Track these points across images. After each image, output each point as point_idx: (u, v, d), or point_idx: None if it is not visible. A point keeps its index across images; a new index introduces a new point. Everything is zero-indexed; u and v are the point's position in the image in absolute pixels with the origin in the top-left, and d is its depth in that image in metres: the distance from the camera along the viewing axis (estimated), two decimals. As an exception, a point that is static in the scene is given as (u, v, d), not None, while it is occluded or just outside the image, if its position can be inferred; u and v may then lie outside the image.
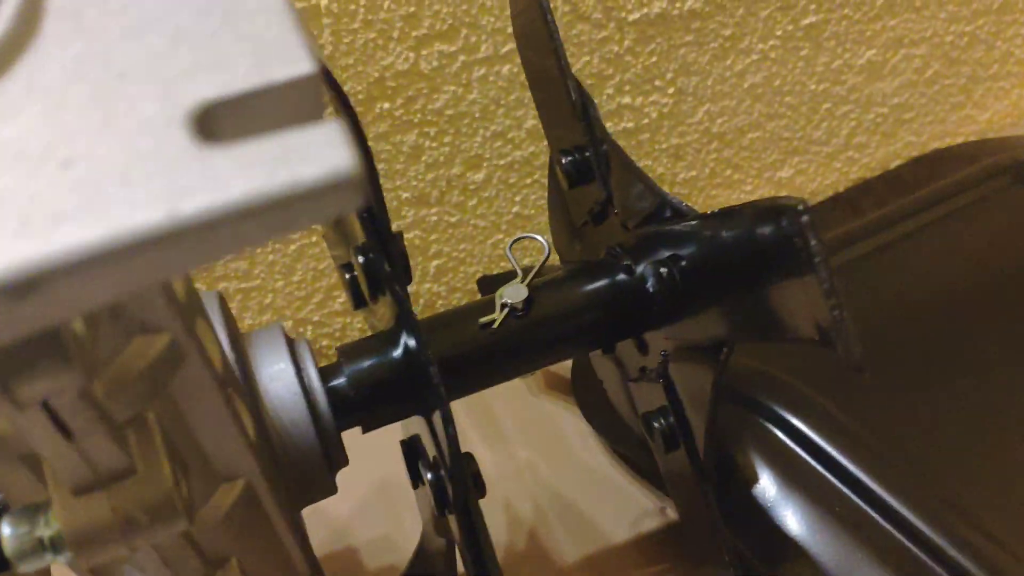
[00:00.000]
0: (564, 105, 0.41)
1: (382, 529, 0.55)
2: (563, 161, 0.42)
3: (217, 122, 0.16)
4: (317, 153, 0.15)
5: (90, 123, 0.15)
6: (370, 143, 0.59)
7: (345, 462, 0.39)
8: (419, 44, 0.57)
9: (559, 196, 0.46)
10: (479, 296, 0.64)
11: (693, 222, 0.35)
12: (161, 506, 0.22)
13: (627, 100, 0.63)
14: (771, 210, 0.27)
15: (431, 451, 0.37)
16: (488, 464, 0.58)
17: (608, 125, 0.63)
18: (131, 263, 0.14)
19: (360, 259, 0.35)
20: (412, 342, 0.35)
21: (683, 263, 0.36)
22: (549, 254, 0.42)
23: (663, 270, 0.37)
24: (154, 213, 0.14)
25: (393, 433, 0.42)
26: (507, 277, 0.55)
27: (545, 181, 0.65)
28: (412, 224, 0.63)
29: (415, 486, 0.41)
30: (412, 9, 0.55)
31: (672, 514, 0.53)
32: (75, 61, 0.16)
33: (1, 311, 0.14)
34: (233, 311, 0.60)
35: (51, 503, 0.22)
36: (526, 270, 0.42)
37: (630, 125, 0.64)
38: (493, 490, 0.55)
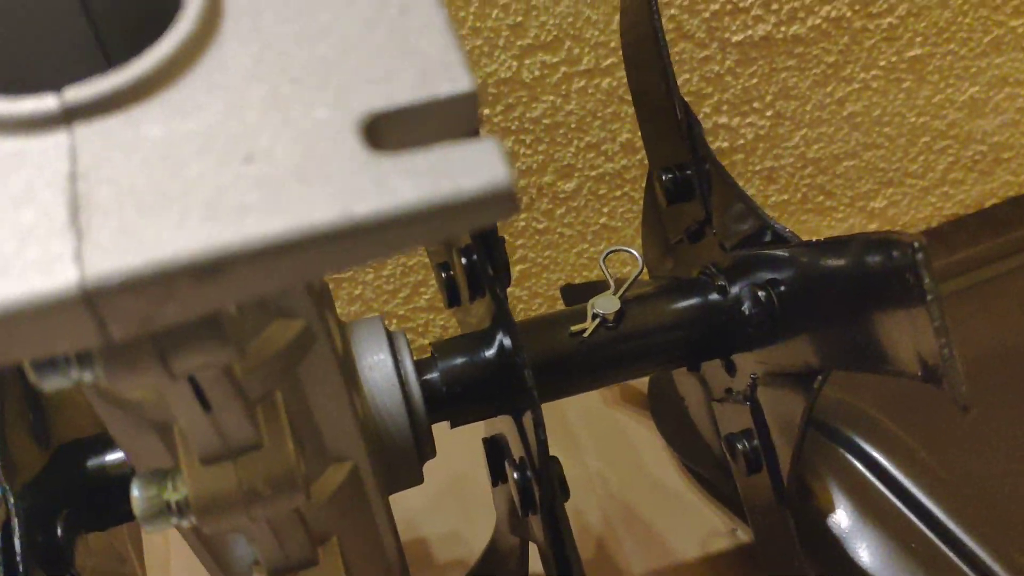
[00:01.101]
0: (668, 123, 0.42)
1: (453, 523, 0.56)
2: (663, 178, 0.43)
3: (383, 131, 0.17)
4: (477, 166, 0.16)
5: (268, 122, 0.16)
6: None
7: (433, 454, 0.40)
8: (523, 53, 0.58)
9: (655, 211, 0.47)
10: (560, 304, 0.65)
11: (796, 248, 0.36)
12: (283, 480, 0.24)
13: (724, 120, 0.63)
14: (884, 243, 0.27)
15: (517, 452, 0.38)
16: (560, 470, 0.59)
17: (702, 144, 0.64)
18: (305, 257, 0.15)
19: (463, 260, 0.36)
20: (508, 343, 0.36)
21: (782, 288, 0.37)
22: (643, 269, 0.43)
23: (761, 293, 0.37)
24: (330, 212, 0.15)
25: (467, 430, 0.43)
26: (591, 287, 0.56)
27: (634, 195, 0.66)
28: (499, 228, 0.64)
29: (495, 483, 0.42)
30: (519, 19, 0.56)
31: (743, 536, 0.54)
32: (253, 62, 0.17)
33: (185, 291, 0.15)
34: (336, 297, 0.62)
35: (179, 469, 0.24)
36: (618, 282, 0.42)
37: (724, 145, 0.64)
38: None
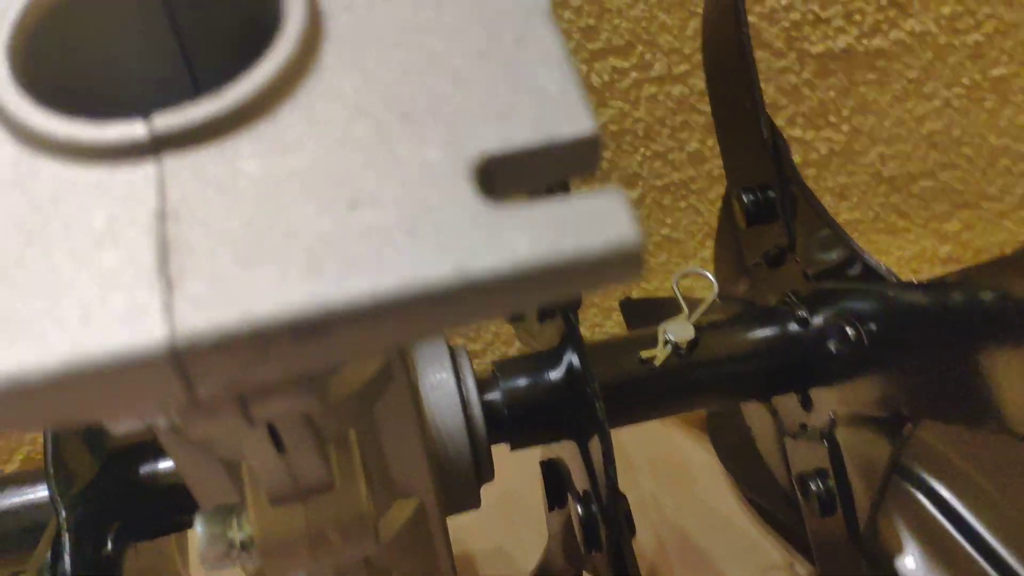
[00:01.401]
0: (752, 140, 0.40)
1: (500, 541, 0.55)
2: (744, 198, 0.41)
3: (496, 174, 0.15)
4: (602, 221, 0.14)
5: (375, 163, 0.15)
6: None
7: (491, 477, 0.38)
8: (593, 57, 0.56)
9: (731, 231, 0.45)
10: (617, 314, 0.63)
11: (894, 286, 0.34)
12: (353, 525, 0.22)
13: (798, 132, 0.61)
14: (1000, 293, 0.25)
15: (580, 482, 0.36)
16: (612, 489, 0.57)
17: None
18: (414, 316, 0.14)
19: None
20: (578, 367, 0.35)
21: (872, 326, 0.35)
22: (716, 294, 0.41)
23: (849, 330, 0.35)
24: (442, 269, 0.14)
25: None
26: (653, 304, 0.54)
27: (699, 207, 0.64)
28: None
29: (551, 508, 0.41)
30: (592, 22, 0.55)
31: (801, 572, 0.51)
32: (356, 94, 0.16)
33: (282, 351, 0.13)
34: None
35: (245, 507, 0.22)
36: (691, 305, 0.40)
37: (797, 159, 0.62)
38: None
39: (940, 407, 0.31)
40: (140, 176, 0.14)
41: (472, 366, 0.38)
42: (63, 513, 0.29)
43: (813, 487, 0.39)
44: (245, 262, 0.13)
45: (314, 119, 0.15)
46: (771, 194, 0.40)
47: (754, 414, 0.47)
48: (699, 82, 0.58)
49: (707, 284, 0.42)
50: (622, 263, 0.14)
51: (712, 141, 0.60)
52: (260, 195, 0.14)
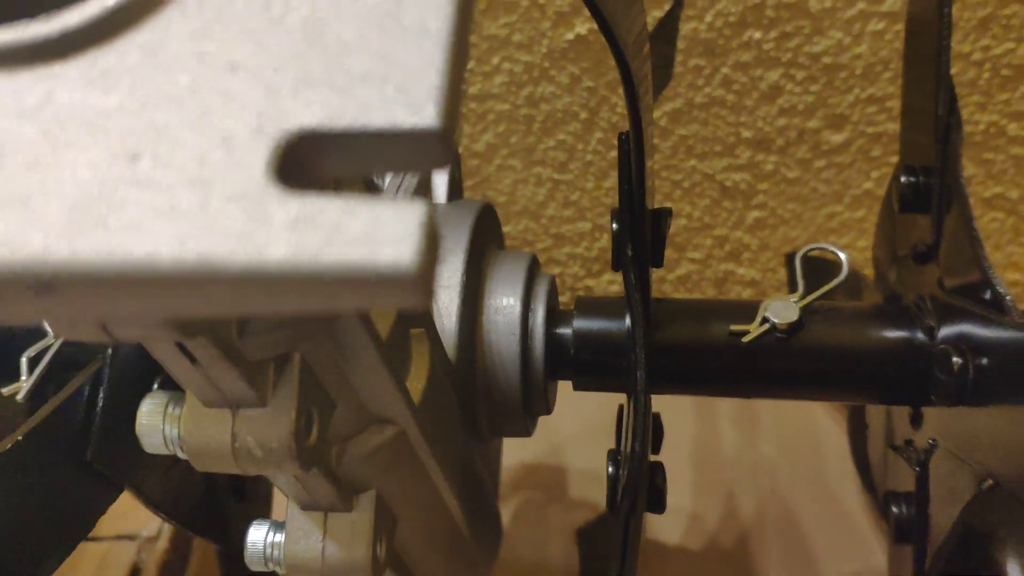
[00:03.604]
0: (928, 114, 0.34)
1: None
2: (902, 179, 0.35)
3: (308, 154, 0.13)
4: (384, 238, 0.12)
5: (180, 116, 0.14)
6: (726, 71, 0.54)
7: (546, 411, 0.37)
8: (817, -22, 0.50)
9: (890, 212, 0.39)
10: (784, 266, 0.58)
11: (1016, 320, 0.28)
12: (277, 448, 0.22)
13: (1048, 105, 0.51)
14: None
15: (626, 440, 0.34)
16: (727, 447, 0.54)
17: (1012, 127, 0.53)
18: (144, 291, 0.13)
19: (614, 226, 0.32)
20: (631, 328, 0.32)
21: (984, 361, 0.29)
22: (844, 278, 0.36)
23: (956, 359, 0.30)
24: (187, 252, 0.12)
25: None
26: (823, 265, 0.49)
27: (914, 165, 0.56)
28: (744, 166, 0.57)
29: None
30: (822, -63, 0.48)
31: (896, 587, 0.47)
32: (197, 39, 0.14)
33: (23, 302, 0.13)
34: (540, 198, 0.60)
35: (183, 403, 0.23)
36: (811, 286, 0.36)
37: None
38: (720, 476, 0.52)
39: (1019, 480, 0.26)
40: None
41: (550, 296, 0.36)
42: (108, 357, 0.31)
43: (895, 509, 0.35)
44: (10, 201, 0.13)
45: (148, 58, 0.14)
46: (931, 181, 0.34)
47: (875, 415, 0.42)
48: (937, 25, 0.50)
49: (842, 267, 0.37)
50: (391, 288, 0.12)
51: (940, 95, 0.52)
52: (58, 128, 0.13)
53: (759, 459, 0.54)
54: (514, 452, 0.54)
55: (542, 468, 0.54)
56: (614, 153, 0.57)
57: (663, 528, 0.50)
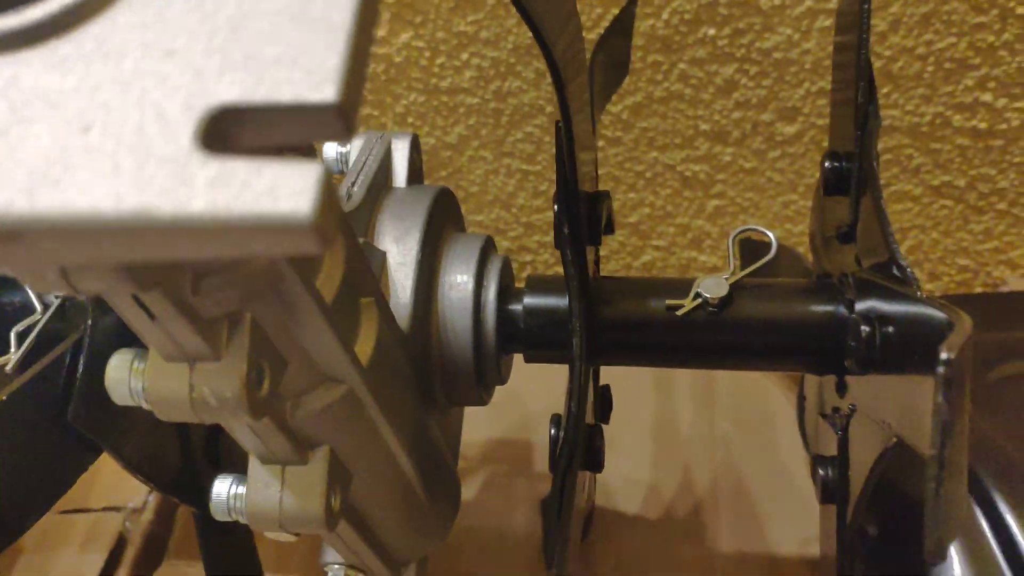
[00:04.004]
0: (850, 103, 0.37)
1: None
2: (827, 164, 0.38)
3: (229, 124, 0.16)
4: (286, 192, 0.15)
5: (125, 94, 0.16)
6: (683, 66, 0.56)
7: (500, 381, 0.40)
8: (767, -23, 0.53)
9: (819, 194, 0.42)
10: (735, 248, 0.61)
11: (914, 293, 0.31)
12: (229, 398, 0.25)
13: (987, 98, 0.54)
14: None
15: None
16: (684, 423, 0.57)
17: (957, 118, 0.55)
18: (94, 240, 0.15)
19: (555, 207, 0.35)
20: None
21: (890, 330, 0.32)
22: (774, 256, 0.39)
23: (864, 328, 0.33)
24: (124, 204, 0.15)
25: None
26: (767, 248, 0.52)
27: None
28: (703, 158, 0.60)
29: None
30: (769, -61, 0.51)
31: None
32: (140, 29, 0.17)
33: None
34: (510, 188, 0.62)
35: (146, 359, 0.25)
36: (743, 265, 0.39)
37: (983, 126, 0.55)
38: (678, 450, 0.55)
39: (910, 430, 0.29)
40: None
41: (503, 274, 0.39)
42: (89, 321, 0.34)
43: (821, 472, 0.38)
44: (-23, 164, 0.16)
45: (99, 47, 0.17)
46: (851, 166, 0.37)
47: (809, 384, 0.45)
48: (881, 23, 0.53)
49: (771, 247, 0.40)
50: (295, 233, 0.15)
51: (886, 89, 0.55)
52: (21, 106, 0.16)
53: (714, 434, 0.56)
54: (483, 427, 0.56)
55: (509, 443, 0.57)
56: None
57: (623, 498, 0.53)
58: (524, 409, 0.58)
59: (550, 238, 0.65)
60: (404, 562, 0.39)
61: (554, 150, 0.51)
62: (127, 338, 0.37)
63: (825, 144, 0.59)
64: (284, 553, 0.51)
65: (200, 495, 0.42)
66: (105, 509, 0.54)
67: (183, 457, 0.41)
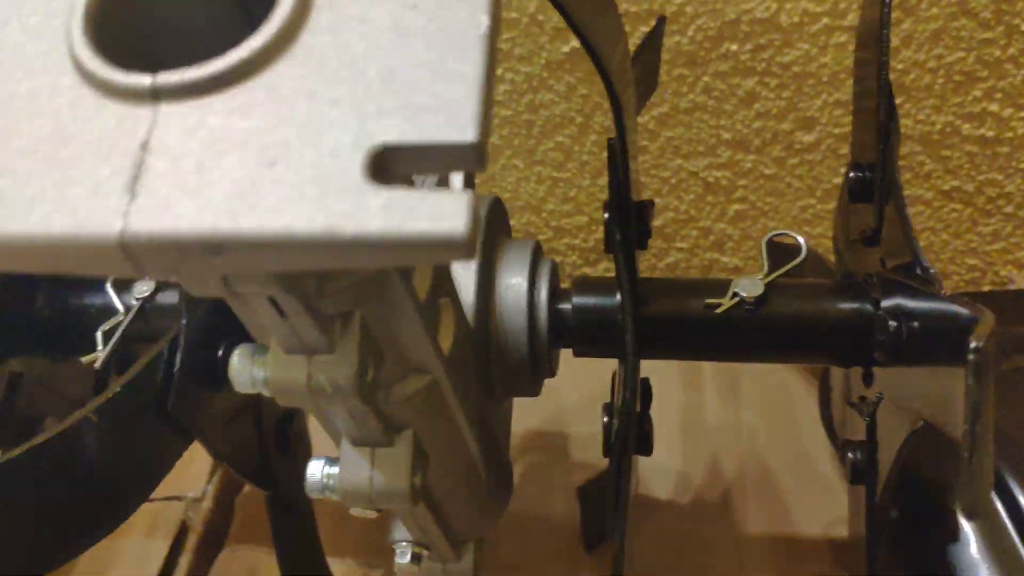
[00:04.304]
0: (871, 118, 0.40)
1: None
2: (851, 175, 0.41)
3: (388, 160, 0.20)
4: (444, 215, 0.18)
5: (301, 134, 0.20)
6: (707, 79, 0.60)
7: (550, 374, 0.44)
8: (787, -4, 0.56)
9: (843, 202, 0.46)
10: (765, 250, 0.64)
11: (937, 291, 0.34)
12: (342, 385, 0.28)
13: (994, 108, 0.58)
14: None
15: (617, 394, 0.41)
16: (711, 415, 0.60)
17: (966, 127, 0.59)
18: (289, 254, 0.19)
19: (606, 216, 0.38)
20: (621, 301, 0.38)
21: (916, 325, 0.36)
22: (804, 258, 0.42)
23: (892, 323, 0.36)
24: (315, 225, 0.19)
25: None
26: (791, 250, 0.55)
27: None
28: (725, 165, 0.64)
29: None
30: (790, -40, 0.54)
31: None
32: (307, 79, 0.20)
33: (195, 259, 0.19)
34: (540, 194, 0.66)
35: (268, 352, 0.29)
36: (778, 267, 0.42)
37: (990, 134, 0.59)
38: (705, 439, 0.58)
39: (939, 414, 0.32)
40: (143, 115, 0.20)
41: (553, 277, 0.43)
42: (184, 320, 0.37)
43: (850, 455, 0.41)
44: (185, 191, 0.19)
45: (271, 94, 0.20)
46: (874, 176, 0.40)
47: (836, 375, 0.49)
48: (894, 39, 0.56)
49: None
50: (451, 247, 0.19)
51: (899, 100, 0.59)
52: (213, 143, 0.20)
53: (740, 424, 0.60)
54: (522, 420, 0.60)
55: (546, 434, 0.60)
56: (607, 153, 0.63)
57: (655, 485, 0.57)
58: (558, 403, 0.62)
59: (579, 241, 0.69)
60: (464, 540, 0.43)
61: (583, 158, 0.54)
62: (214, 337, 0.41)
63: (842, 151, 0.62)
64: (339, 536, 0.55)
65: (273, 478, 0.46)
66: (168, 499, 0.58)
67: (258, 446, 0.44)
